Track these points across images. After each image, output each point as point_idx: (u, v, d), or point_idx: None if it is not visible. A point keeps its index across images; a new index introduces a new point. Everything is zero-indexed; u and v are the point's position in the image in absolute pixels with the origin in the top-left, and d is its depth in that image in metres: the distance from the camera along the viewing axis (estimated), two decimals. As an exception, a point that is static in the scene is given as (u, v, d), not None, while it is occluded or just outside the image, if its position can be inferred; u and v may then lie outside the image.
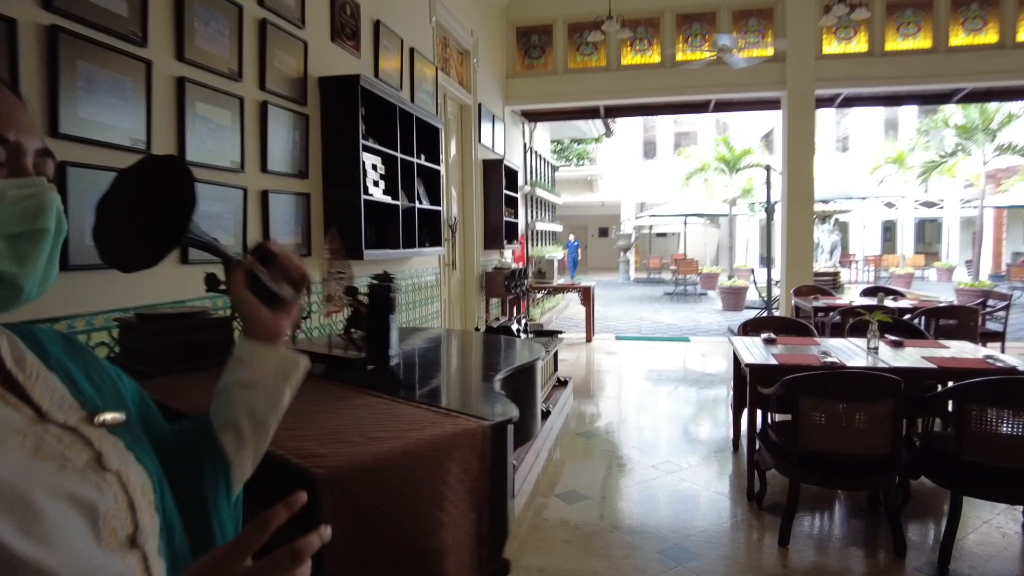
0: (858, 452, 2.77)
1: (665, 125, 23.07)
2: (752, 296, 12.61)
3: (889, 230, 22.20)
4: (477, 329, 5.31)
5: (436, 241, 5.44)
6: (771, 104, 8.65)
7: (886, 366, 3.19)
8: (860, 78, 7.99)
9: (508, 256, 8.89)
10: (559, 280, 10.91)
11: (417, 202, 5.03)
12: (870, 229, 21.07)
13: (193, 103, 2.92)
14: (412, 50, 5.44)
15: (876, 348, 3.51)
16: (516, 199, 8.46)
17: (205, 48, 3.00)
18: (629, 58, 8.50)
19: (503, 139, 8.59)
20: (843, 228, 20.15)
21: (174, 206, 0.79)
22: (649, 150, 23.43)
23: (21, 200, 0.60)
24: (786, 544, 2.84)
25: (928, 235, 23.59)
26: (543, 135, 11.94)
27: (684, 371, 6.69)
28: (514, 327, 5.49)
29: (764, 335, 4.07)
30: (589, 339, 8.38)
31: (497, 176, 7.70)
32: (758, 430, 3.28)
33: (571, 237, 21.50)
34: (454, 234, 6.87)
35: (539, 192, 10.46)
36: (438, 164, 5.39)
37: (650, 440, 4.44)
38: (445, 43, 6.68)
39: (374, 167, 4.30)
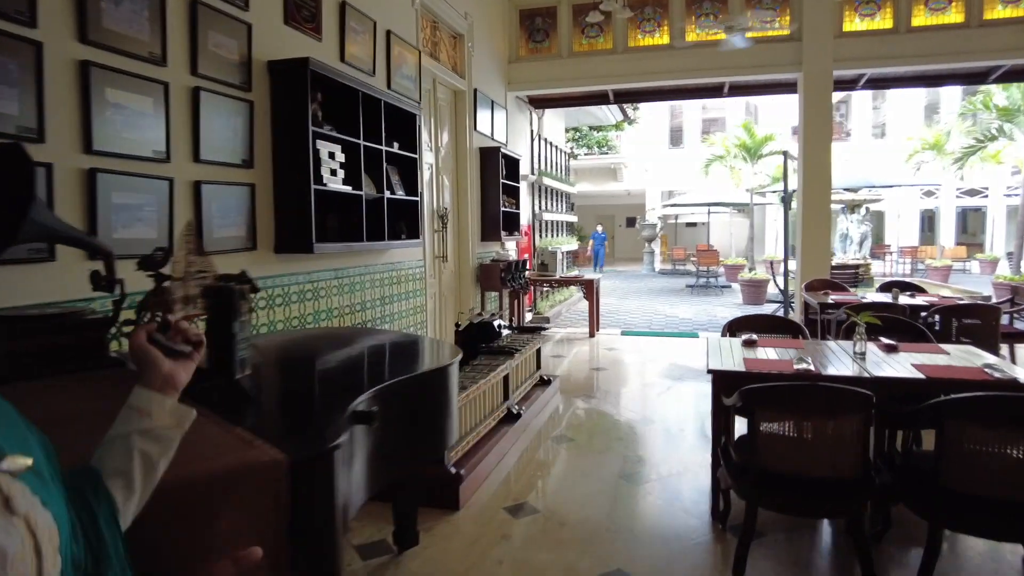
0: (823, 474, 2.45)
1: (692, 111, 22.40)
2: (774, 289, 12.06)
3: (929, 220, 21.20)
4: (457, 325, 5.07)
5: (414, 233, 5.20)
6: (788, 87, 8.16)
7: (866, 375, 2.84)
8: (885, 57, 7.46)
9: (511, 248, 8.62)
10: (565, 272, 10.61)
11: (388, 192, 4.79)
12: (908, 219, 20.12)
13: (101, 88, 2.72)
14: (389, 33, 5.20)
15: (863, 353, 3.16)
16: (517, 188, 8.17)
17: (116, 29, 2.79)
18: (637, 40, 8.11)
19: (504, 126, 8.30)
20: (878, 218, 19.31)
21: (9, 199, 0.75)
22: (676, 137, 22.79)
23: None
24: (741, 575, 2.53)
25: (972, 225, 22.47)
26: (555, 122, 11.60)
27: (683, 370, 6.34)
28: (497, 322, 5.22)
29: (745, 336, 3.73)
30: (592, 334, 8.08)
31: (494, 164, 7.42)
32: (721, 445, 2.97)
33: (598, 228, 21.11)
34: (445, 225, 6.64)
35: (548, 181, 10.15)
36: (414, 152, 5.14)
37: (623, 448, 4.15)
38: (434, 26, 6.42)
39: (331, 155, 4.07)
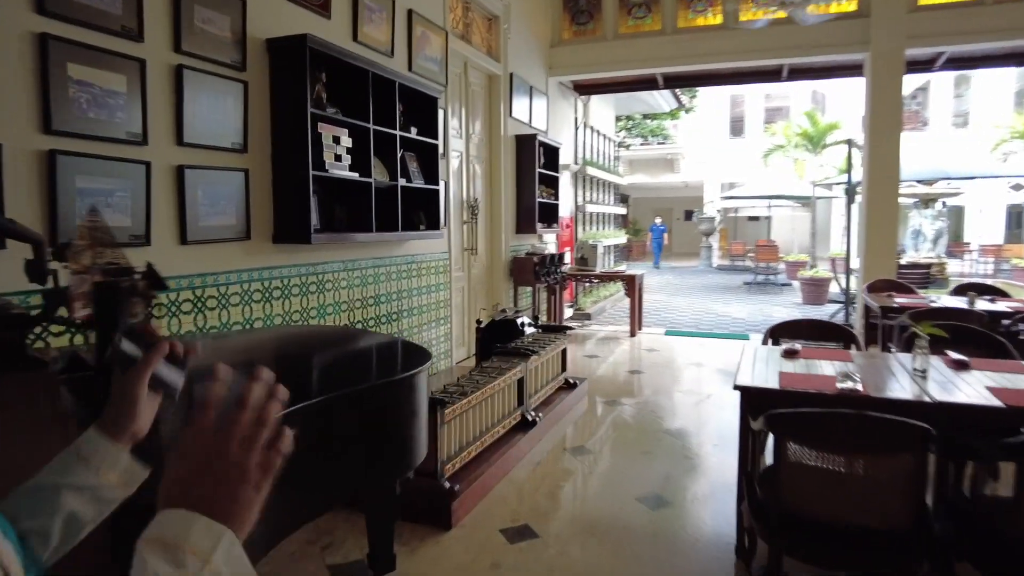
0: (866, 522, 2.02)
1: (755, 100, 21.34)
2: (837, 289, 11.25)
3: (1017, 216, 19.59)
4: (479, 323, 4.76)
5: (434, 223, 4.91)
6: (853, 70, 7.47)
7: (926, 399, 2.37)
8: (967, 32, 6.69)
9: (550, 240, 8.25)
10: (609, 267, 10.15)
11: (403, 180, 4.51)
12: (992, 214, 18.62)
13: (62, 64, 2.51)
14: (411, 13, 4.90)
15: (924, 371, 2.67)
16: (557, 179, 7.78)
17: (80, 1, 2.58)
18: (687, 20, 7.58)
19: (545, 113, 7.92)
20: (957, 214, 17.96)
21: None
22: (737, 127, 21.78)
23: None
24: (762, 634, 2.13)
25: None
26: (604, 110, 11.12)
27: (727, 376, 5.82)
28: (520, 320, 4.89)
29: (786, 344, 3.27)
30: (633, 333, 7.63)
31: (531, 152, 7.06)
32: (748, 474, 2.55)
33: (657, 220, 20.25)
34: (475, 216, 6.33)
35: (593, 171, 9.70)
36: (435, 137, 4.84)
37: (647, 465, 3.75)
38: (466, 7, 6.10)
39: (335, 140, 3.81)
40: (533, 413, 4.00)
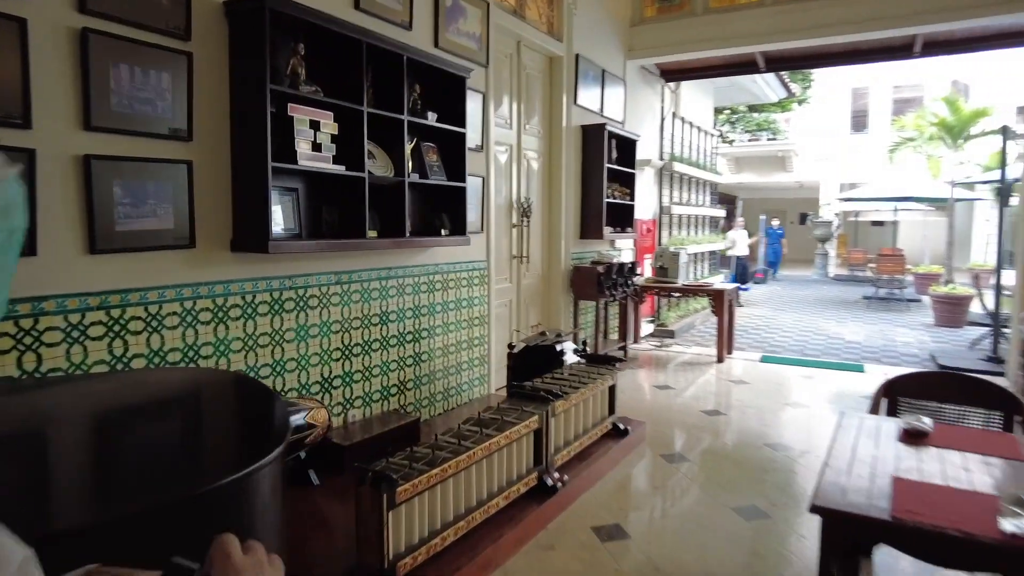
0: None
1: (880, 90, 18.97)
2: (980, 309, 9.42)
3: None
4: (511, 348, 3.91)
5: (459, 227, 4.10)
6: (1009, 39, 5.94)
7: None
8: None
9: (625, 246, 7.24)
10: (693, 278, 8.94)
11: (414, 175, 3.74)
12: None
13: None
14: (437, -24, 4.12)
15: None
16: (633, 176, 6.77)
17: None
18: (793, -14, 6.34)
19: (621, 102, 6.93)
20: None
21: None
22: (859, 122, 19.50)
23: None
24: None
25: None
26: (699, 100, 9.90)
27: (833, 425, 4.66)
28: (563, 346, 3.99)
29: (907, 422, 2.18)
30: (721, 358, 6.48)
31: (599, 145, 6.11)
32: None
33: (773, 222, 17.29)
34: (527, 218, 5.47)
35: (681, 168, 8.55)
36: (462, 125, 4.03)
37: (706, 566, 2.74)
38: (520, -24, 5.25)
39: (314, 125, 3.08)
40: (555, 476, 3.09)
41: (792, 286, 15.94)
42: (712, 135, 10.64)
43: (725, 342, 6.58)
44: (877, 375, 5.99)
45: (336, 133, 3.19)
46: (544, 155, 5.83)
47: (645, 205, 7.77)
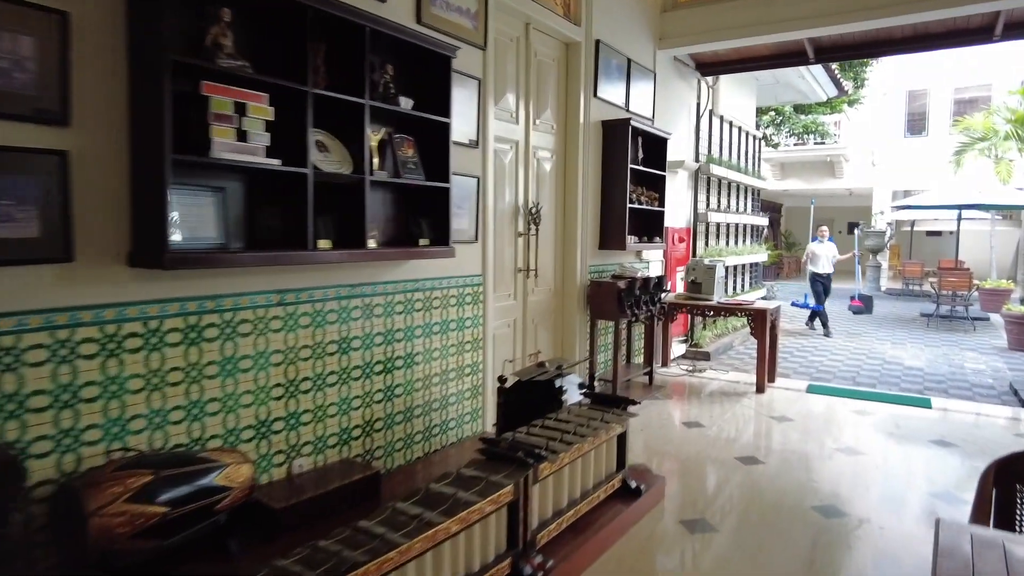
0: None
1: (940, 90, 17.64)
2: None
3: None
4: (502, 381, 3.22)
5: (441, 237, 3.42)
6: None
7: None
8: None
9: (654, 258, 6.48)
10: (731, 295, 8.08)
11: (381, 173, 3.09)
12: None
13: None
14: (421, -61, 3.47)
15: None
16: (662, 179, 6.01)
17: None
18: (848, -39, 5.51)
19: (650, 96, 6.19)
20: None
21: None
22: (914, 125, 18.22)
23: None
24: None
25: None
26: (740, 98, 9.05)
27: (899, 481, 3.83)
28: (564, 382, 3.27)
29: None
30: (761, 388, 5.65)
31: (622, 143, 5.37)
32: None
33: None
34: (536, 226, 4.77)
35: (720, 171, 7.72)
36: (447, 115, 3.35)
37: None
38: (529, -52, 4.56)
39: (240, 108, 2.44)
40: (537, 561, 2.37)
41: (841, 300, 14.81)
42: (755, 136, 9.77)
43: (766, 369, 5.74)
44: (948, 415, 5.10)
45: (271, 119, 2.55)
46: (558, 154, 5.13)
47: (677, 212, 6.98)
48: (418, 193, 3.39)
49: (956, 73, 17.41)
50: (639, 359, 6.19)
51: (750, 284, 9.55)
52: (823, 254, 9.72)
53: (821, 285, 9.68)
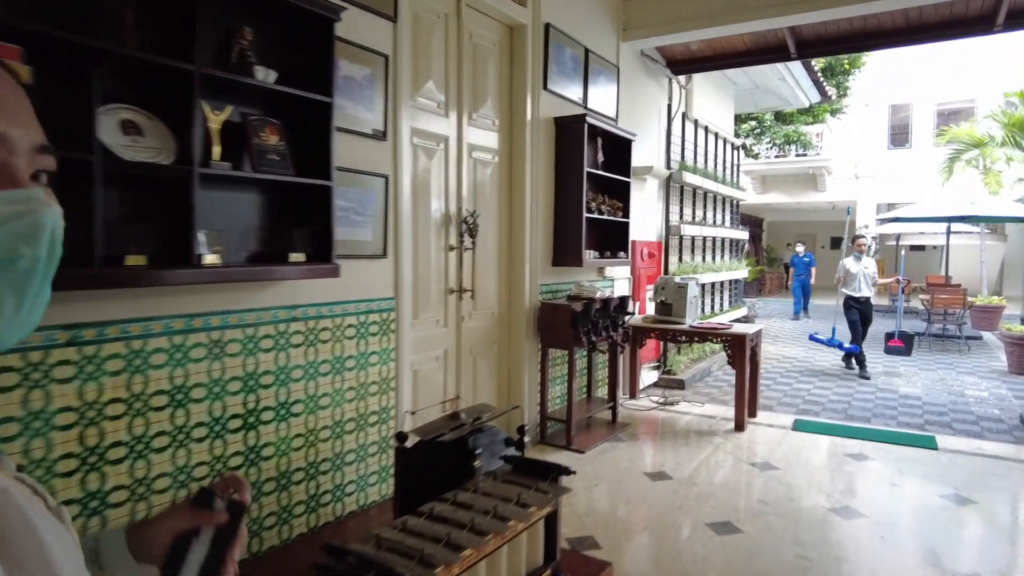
0: None
1: (923, 101, 17.23)
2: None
3: None
4: (402, 440, 2.44)
5: (321, 251, 2.64)
6: None
7: None
8: None
9: (620, 274, 5.73)
10: (706, 316, 7.35)
11: (224, 165, 2.31)
12: None
13: None
14: None
15: None
16: (627, 185, 5.28)
17: None
18: (833, -60, 4.86)
19: (614, 94, 5.48)
20: None
21: None
22: (898, 137, 17.78)
23: (6, 221, 0.47)
24: None
25: None
26: (716, 104, 8.39)
27: (912, 563, 3.07)
28: (479, 441, 2.49)
29: None
30: (741, 425, 4.90)
31: (576, 142, 4.64)
32: None
33: (799, 248, 14.19)
34: (472, 238, 4.00)
35: (693, 179, 7.02)
36: (328, 94, 2.59)
37: None
38: (460, -90, 3.85)
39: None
40: None
41: (826, 317, 14.16)
42: (734, 145, 9.12)
43: (746, 403, 4.99)
44: (956, 457, 4.37)
45: (32, 83, 1.77)
46: (502, 155, 4.38)
47: (647, 224, 6.26)
48: (289, 194, 2.61)
49: (939, 88, 17.05)
50: (604, 390, 5.42)
51: (730, 303, 8.85)
52: (860, 272, 7.42)
53: (858, 312, 7.41)
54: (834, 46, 5.95)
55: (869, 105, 17.56)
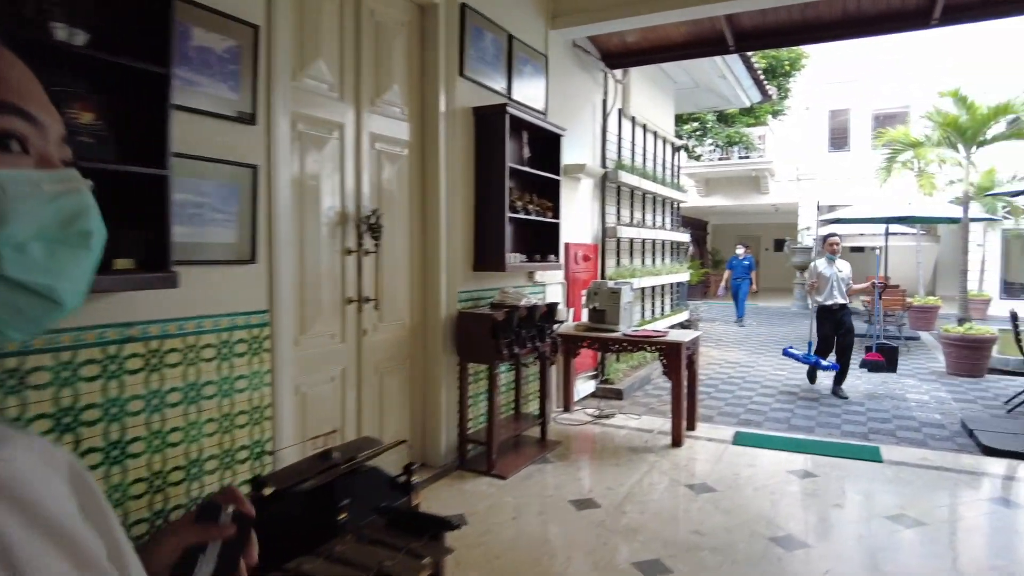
0: None
1: (860, 105, 17.54)
2: (1013, 352, 7.68)
3: None
4: (256, 487, 1.97)
5: (156, 257, 2.15)
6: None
7: None
8: None
9: (553, 279, 5.35)
10: (641, 322, 7.05)
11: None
12: None
13: None
14: None
15: None
16: (556, 184, 4.91)
17: None
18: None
19: (542, 86, 5.10)
20: None
21: None
22: (838, 141, 18.06)
23: (56, 197, 0.50)
24: None
25: None
26: (657, 99, 8.11)
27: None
28: (361, 484, 2.04)
29: None
30: (678, 440, 4.56)
31: (498, 136, 4.22)
32: None
33: (738, 250, 13.46)
34: (375, 240, 3.53)
35: (630, 179, 6.70)
36: (161, 64, 2.10)
37: None
38: None
39: None
40: None
41: (769, 320, 14.21)
42: (675, 146, 8.88)
43: (683, 417, 4.66)
44: (902, 469, 4.11)
45: None
46: (413, 148, 3.94)
47: (581, 225, 5.91)
48: (117, 186, 2.11)
49: (875, 94, 17.39)
50: (536, 404, 5.01)
51: (672, 306, 8.59)
52: (833, 277, 6.39)
53: (831, 324, 6.44)
54: (773, 38, 5.71)
55: (810, 108, 17.77)
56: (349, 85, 3.43)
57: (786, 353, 7.15)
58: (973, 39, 15.50)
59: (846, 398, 6.27)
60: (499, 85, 4.52)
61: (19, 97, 0.50)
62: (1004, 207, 13.44)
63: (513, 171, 4.47)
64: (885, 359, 7.51)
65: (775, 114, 12.02)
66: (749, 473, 4.06)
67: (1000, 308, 14.31)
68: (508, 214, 4.24)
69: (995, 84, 11.90)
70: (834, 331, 6.45)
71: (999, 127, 9.31)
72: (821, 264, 6.52)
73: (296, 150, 3.09)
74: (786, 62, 11.36)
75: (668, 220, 8.50)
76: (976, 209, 11.35)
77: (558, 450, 4.43)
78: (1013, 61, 14.31)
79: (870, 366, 7.56)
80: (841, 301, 6.41)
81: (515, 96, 4.69)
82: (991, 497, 3.72)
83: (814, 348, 6.75)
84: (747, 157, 17.30)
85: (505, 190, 4.20)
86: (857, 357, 7.30)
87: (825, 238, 6.89)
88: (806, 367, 6.94)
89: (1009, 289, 16.19)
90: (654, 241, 7.86)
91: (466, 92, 4.17)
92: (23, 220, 0.47)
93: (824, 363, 6.57)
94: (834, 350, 6.54)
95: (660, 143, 8.22)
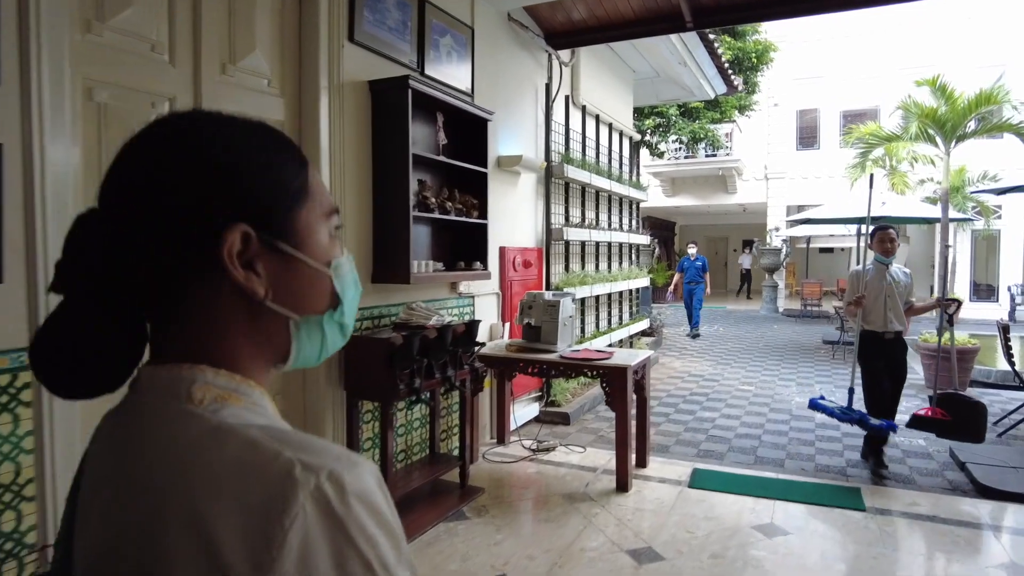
0: None
1: (829, 104, 17.13)
2: (992, 363, 7.11)
3: None
4: None
5: None
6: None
7: None
8: None
9: (485, 290, 4.59)
10: (582, 340, 6.30)
11: None
12: None
13: None
14: None
15: None
16: (484, 177, 4.13)
17: None
18: None
19: (467, 63, 4.33)
20: None
21: None
22: (807, 138, 17.61)
23: (352, 269, 0.66)
24: None
25: None
26: (613, 88, 7.38)
27: None
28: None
29: None
30: (625, 483, 3.82)
31: (400, 117, 3.43)
32: None
33: (690, 250, 11.87)
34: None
35: (577, 174, 5.95)
36: None
37: None
38: None
39: None
40: None
41: (737, 324, 13.63)
42: (632, 139, 8.18)
43: (630, 455, 3.92)
44: (889, 521, 3.41)
45: None
46: (288, 130, 3.12)
47: (521, 226, 5.15)
48: None
49: (844, 93, 16.96)
50: (456, 441, 4.23)
51: (630, 315, 7.88)
52: (883, 290, 4.21)
53: (883, 361, 4.25)
54: (733, 14, 5.00)
55: (778, 105, 17.28)
56: (184, 45, 2.62)
57: (815, 405, 4.40)
58: (949, 39, 15.16)
59: (886, 468, 4.25)
60: (407, 57, 3.73)
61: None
62: (974, 207, 13.03)
63: (427, 161, 3.70)
64: (953, 418, 4.16)
65: (742, 109, 11.43)
66: (705, 530, 3.32)
67: (972, 311, 13.95)
68: (414, 212, 3.45)
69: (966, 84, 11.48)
70: (889, 372, 4.24)
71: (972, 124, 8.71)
72: (868, 273, 4.29)
73: (94, 127, 2.27)
74: (752, 54, 10.77)
75: (626, 221, 7.79)
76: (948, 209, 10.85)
77: (477, 500, 3.65)
78: (988, 63, 13.95)
79: (924, 425, 4.27)
80: (898, 328, 4.18)
81: (429, 72, 3.91)
82: (1000, 563, 3.03)
83: (854, 397, 4.40)
84: (714, 155, 16.74)
85: (408, 183, 3.41)
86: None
87: (874, 232, 4.41)
88: (851, 427, 4.45)
89: (978, 291, 15.88)
90: (609, 244, 7.13)
91: (359, 62, 3.38)
92: (349, 286, 0.65)
93: (875, 422, 4.11)
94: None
95: (617, 137, 7.50)
